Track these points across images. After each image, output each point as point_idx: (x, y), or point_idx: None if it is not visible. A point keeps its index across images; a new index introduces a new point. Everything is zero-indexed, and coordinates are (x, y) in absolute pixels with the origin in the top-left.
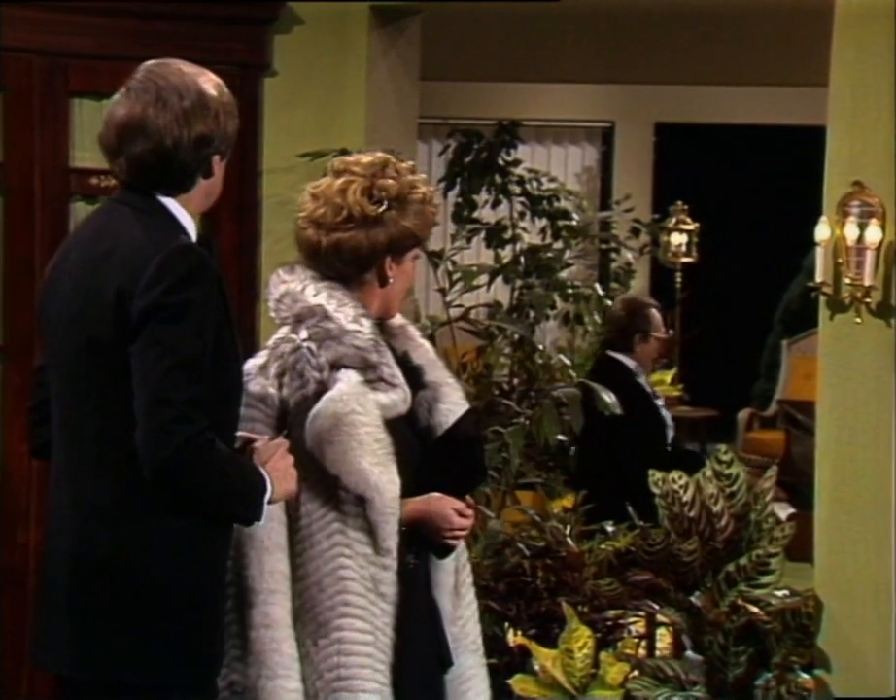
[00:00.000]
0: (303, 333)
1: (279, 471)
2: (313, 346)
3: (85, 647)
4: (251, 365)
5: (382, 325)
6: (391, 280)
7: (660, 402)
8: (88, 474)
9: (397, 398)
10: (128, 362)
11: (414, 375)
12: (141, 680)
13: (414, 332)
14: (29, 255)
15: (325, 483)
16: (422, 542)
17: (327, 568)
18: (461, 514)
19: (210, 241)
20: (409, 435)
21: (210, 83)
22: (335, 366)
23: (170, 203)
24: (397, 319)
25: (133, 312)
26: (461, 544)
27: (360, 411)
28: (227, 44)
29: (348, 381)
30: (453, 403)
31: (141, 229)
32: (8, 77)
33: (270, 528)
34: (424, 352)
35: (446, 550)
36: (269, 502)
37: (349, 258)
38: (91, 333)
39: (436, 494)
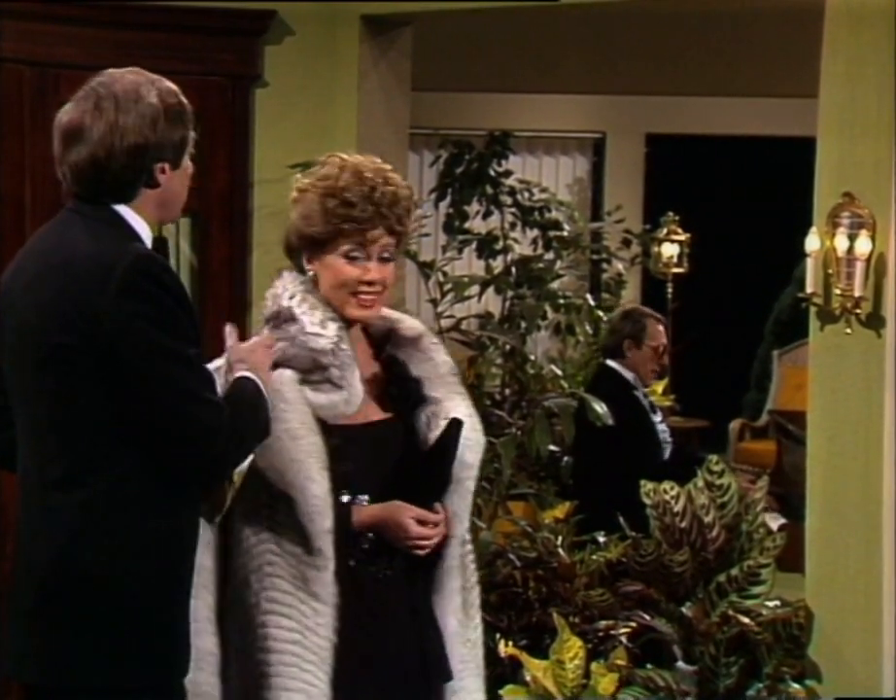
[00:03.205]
0: (265, 332)
1: (258, 366)
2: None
3: (53, 655)
4: (212, 367)
5: (390, 333)
6: (311, 273)
7: (658, 418)
8: (55, 485)
9: (337, 399)
10: (95, 369)
11: (412, 388)
12: (112, 684)
13: (429, 344)
14: None
15: (255, 479)
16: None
17: (254, 564)
18: (424, 523)
19: (165, 242)
20: (400, 446)
21: (153, 90)
22: (276, 365)
23: (123, 211)
24: (415, 329)
25: (110, 321)
26: (470, 564)
27: (282, 408)
28: (219, 55)
29: (278, 378)
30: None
31: (95, 239)
32: None
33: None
34: (432, 366)
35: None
36: None
37: (289, 258)
38: (52, 342)
39: (397, 502)
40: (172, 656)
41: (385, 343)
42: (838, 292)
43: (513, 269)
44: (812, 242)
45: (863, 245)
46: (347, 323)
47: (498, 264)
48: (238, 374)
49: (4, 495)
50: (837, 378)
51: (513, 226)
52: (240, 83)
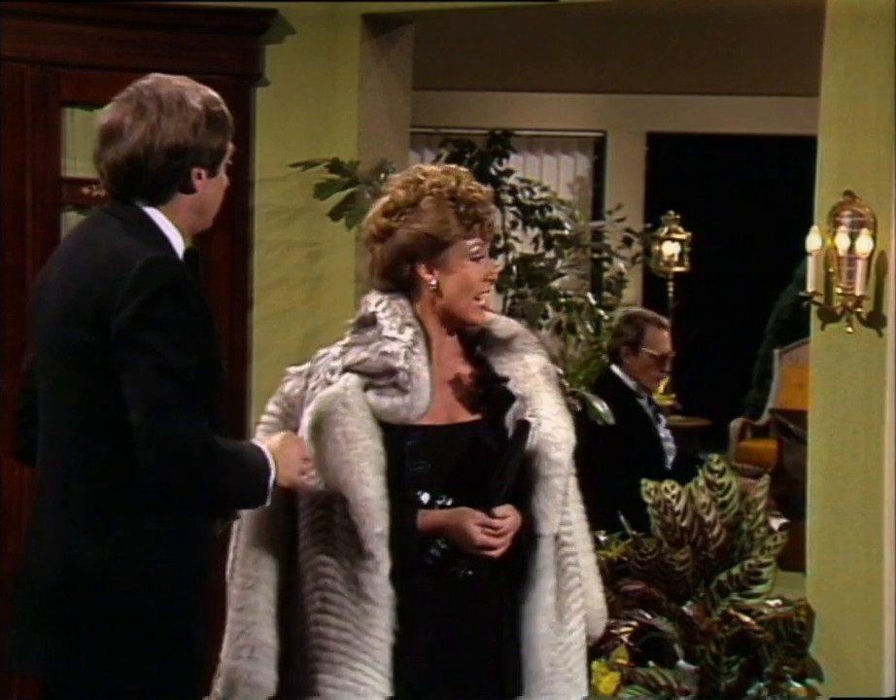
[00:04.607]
0: (346, 339)
1: (284, 457)
2: (336, 351)
3: (70, 652)
4: (293, 370)
5: (482, 334)
6: (433, 284)
7: (662, 424)
8: (72, 478)
9: (400, 403)
10: (109, 367)
11: (499, 388)
12: (127, 683)
13: (521, 344)
14: (21, 264)
15: (316, 479)
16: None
17: (309, 564)
18: (489, 527)
19: (197, 255)
20: (486, 447)
21: (197, 96)
22: (348, 369)
23: (154, 214)
24: (508, 330)
25: (116, 321)
26: (569, 567)
27: (342, 412)
28: (219, 53)
29: (343, 383)
30: (539, 416)
31: (120, 239)
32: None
33: (260, 517)
34: (521, 365)
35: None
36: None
37: (379, 272)
38: (74, 340)
39: (463, 508)
40: (190, 656)
41: (476, 344)
42: (839, 291)
43: (514, 268)
44: (813, 241)
45: (864, 244)
46: (425, 329)
47: (499, 263)
48: (260, 444)
49: (4, 494)
50: (838, 377)
51: (514, 224)
52: (241, 82)
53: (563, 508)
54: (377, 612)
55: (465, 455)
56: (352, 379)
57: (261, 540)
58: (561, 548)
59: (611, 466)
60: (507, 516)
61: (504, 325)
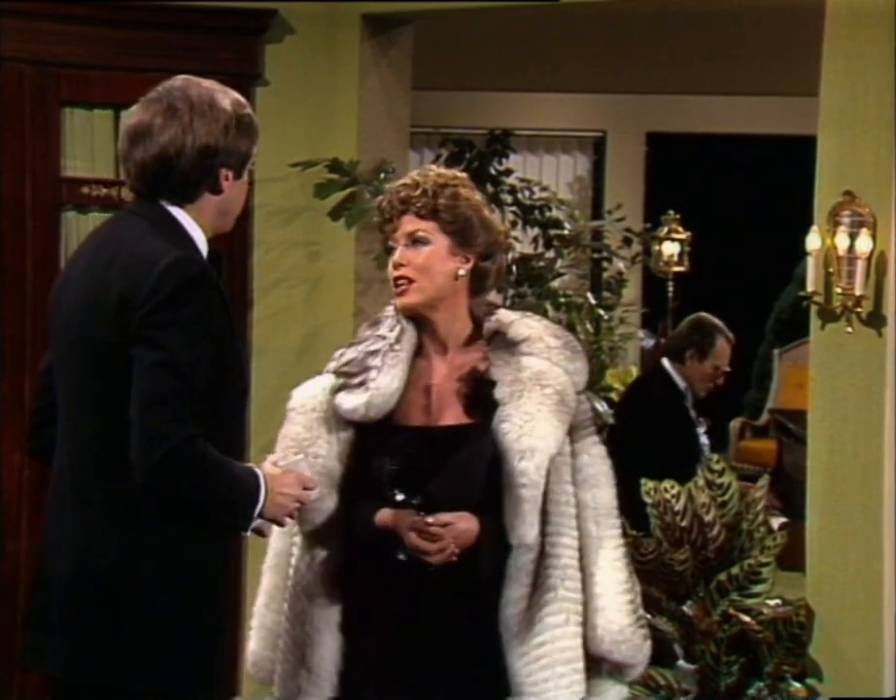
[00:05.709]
0: (359, 333)
1: (279, 495)
2: (336, 353)
3: (84, 651)
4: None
5: (496, 336)
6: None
7: (702, 430)
8: (90, 477)
9: (359, 402)
10: (129, 365)
11: (485, 391)
12: (139, 685)
13: (527, 348)
14: (20, 264)
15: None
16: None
17: (290, 549)
18: (424, 532)
19: (220, 256)
20: (471, 450)
21: (227, 98)
22: (334, 371)
23: (179, 214)
24: (522, 333)
25: (134, 318)
26: (548, 579)
27: (298, 411)
28: (219, 54)
29: (312, 383)
30: (510, 424)
31: (144, 238)
32: None
33: None
34: (515, 370)
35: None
36: (259, 515)
37: None
38: (94, 338)
39: (406, 512)
40: (207, 660)
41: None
42: (839, 290)
43: (514, 268)
44: (813, 241)
45: (864, 243)
46: (429, 328)
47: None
48: (259, 471)
49: (4, 495)
50: (837, 377)
51: (514, 224)
52: (241, 81)
53: (545, 518)
54: (309, 607)
55: (443, 458)
56: (323, 380)
57: (280, 530)
58: (544, 560)
59: (645, 463)
60: (448, 523)
61: (520, 328)
